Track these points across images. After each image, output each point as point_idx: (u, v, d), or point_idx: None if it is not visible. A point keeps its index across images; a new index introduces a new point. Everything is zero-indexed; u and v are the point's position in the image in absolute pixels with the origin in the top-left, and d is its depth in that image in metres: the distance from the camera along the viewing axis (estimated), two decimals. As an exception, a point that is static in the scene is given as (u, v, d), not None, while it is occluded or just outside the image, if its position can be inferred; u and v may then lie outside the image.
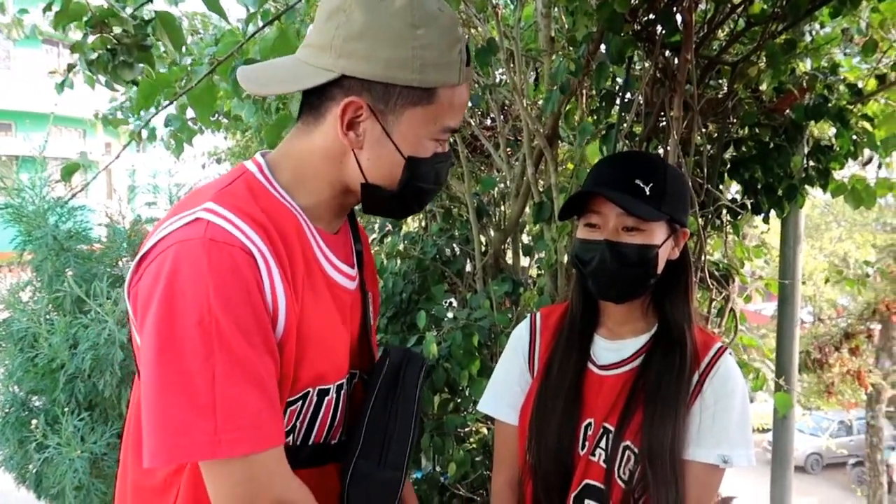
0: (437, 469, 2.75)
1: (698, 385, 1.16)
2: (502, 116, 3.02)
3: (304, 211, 0.93)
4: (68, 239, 2.32)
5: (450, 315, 2.74)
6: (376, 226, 3.46)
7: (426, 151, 0.92)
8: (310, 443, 0.96)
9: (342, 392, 0.99)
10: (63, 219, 2.38)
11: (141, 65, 1.58)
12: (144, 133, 2.82)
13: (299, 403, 0.92)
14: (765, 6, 2.32)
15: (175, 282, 0.79)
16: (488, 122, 3.34)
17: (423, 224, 3.64)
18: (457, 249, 3.14)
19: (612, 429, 1.18)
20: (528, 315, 1.38)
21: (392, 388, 1.01)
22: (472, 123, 3.04)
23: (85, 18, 1.50)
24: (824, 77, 2.35)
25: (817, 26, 2.57)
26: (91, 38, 1.54)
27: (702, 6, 2.42)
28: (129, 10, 1.60)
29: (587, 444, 1.20)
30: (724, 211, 2.58)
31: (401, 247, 3.05)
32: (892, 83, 2.34)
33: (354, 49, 0.86)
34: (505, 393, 1.32)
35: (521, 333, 1.35)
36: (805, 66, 2.46)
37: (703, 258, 2.38)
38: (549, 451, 1.21)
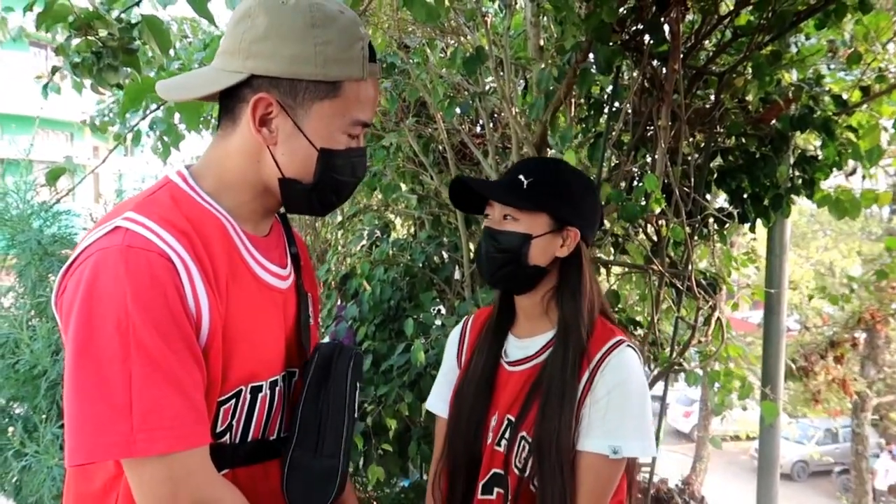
0: (424, 477, 2.73)
1: (590, 378, 1.20)
2: (492, 124, 3.02)
3: (230, 214, 0.96)
4: (52, 243, 2.30)
5: (438, 322, 2.73)
6: (365, 233, 3.46)
7: (339, 144, 0.96)
8: (248, 439, 0.98)
9: (277, 389, 1.01)
10: (48, 223, 2.35)
11: (126, 68, 1.56)
12: (130, 137, 2.80)
13: (233, 402, 0.94)
14: (751, 18, 2.34)
15: (94, 288, 0.81)
16: (478, 129, 3.34)
17: (412, 231, 3.63)
18: (445, 256, 3.13)
19: (513, 420, 1.25)
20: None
21: (323, 380, 1.05)
22: (462, 131, 3.04)
23: (69, 20, 1.48)
24: (809, 88, 2.38)
25: (803, 38, 2.59)
26: (76, 41, 1.52)
27: (689, 17, 2.44)
28: (115, 14, 1.58)
29: (492, 434, 1.27)
30: (711, 220, 2.60)
31: (389, 253, 3.04)
32: (876, 95, 2.36)
33: (260, 50, 0.91)
34: (441, 390, 1.41)
35: (454, 334, 1.44)
36: (791, 77, 2.48)
37: (689, 267, 2.39)
38: (460, 440, 1.30)
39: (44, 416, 2.02)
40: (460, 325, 1.45)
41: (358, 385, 1.09)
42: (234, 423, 0.95)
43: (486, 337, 1.34)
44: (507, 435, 1.25)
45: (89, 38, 1.50)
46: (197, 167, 0.98)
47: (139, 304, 0.80)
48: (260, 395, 0.98)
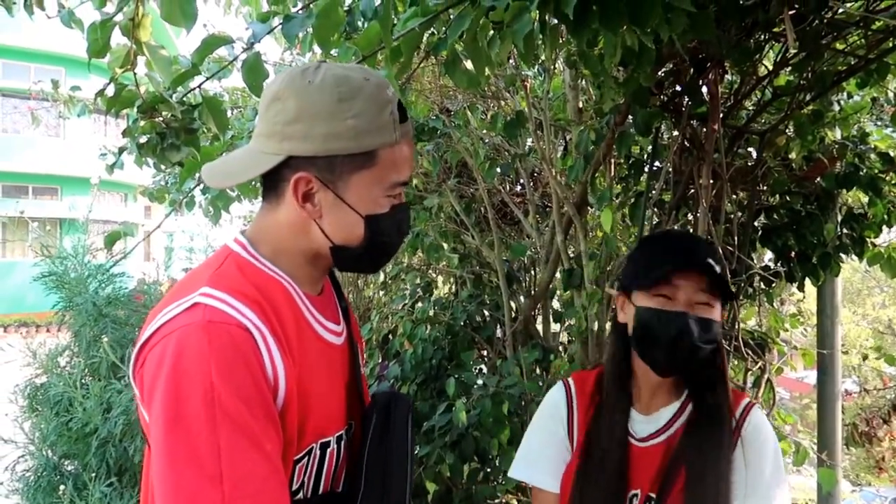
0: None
1: (735, 438, 1.22)
2: (532, 184, 3.06)
3: (289, 277, 1.00)
4: (107, 304, 2.39)
5: (479, 382, 2.71)
6: (407, 293, 3.49)
7: (383, 207, 0.99)
8: (319, 493, 1.01)
9: (342, 442, 1.05)
10: (103, 285, 2.45)
11: (187, 148, 1.66)
12: (184, 201, 2.92)
13: (305, 459, 0.97)
14: (791, 78, 2.35)
15: (179, 363, 0.84)
16: (518, 188, 3.38)
17: (454, 290, 3.65)
18: (487, 315, 3.13)
19: (655, 497, 1.23)
20: (560, 381, 1.39)
21: (384, 430, 1.07)
22: (502, 191, 3.08)
23: (136, 104, 1.59)
24: (854, 146, 2.35)
25: (845, 95, 2.58)
26: (141, 123, 1.63)
27: (728, 77, 2.46)
28: (177, 96, 1.69)
29: None
30: (758, 279, 2.55)
31: (431, 313, 3.06)
32: (923, 152, 2.32)
33: (294, 132, 0.94)
34: (543, 460, 1.33)
35: (556, 401, 1.37)
36: (834, 134, 2.46)
37: (736, 326, 2.34)
38: None
39: (93, 475, 2.06)
40: (560, 392, 1.38)
41: (412, 432, 1.11)
42: (305, 479, 0.98)
43: (609, 415, 1.29)
44: None
45: (153, 120, 1.61)
46: (252, 234, 1.02)
47: (223, 376, 0.83)
48: (328, 450, 1.01)
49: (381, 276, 4.03)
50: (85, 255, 2.47)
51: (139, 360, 0.91)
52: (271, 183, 0.99)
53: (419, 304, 3.23)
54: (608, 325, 1.35)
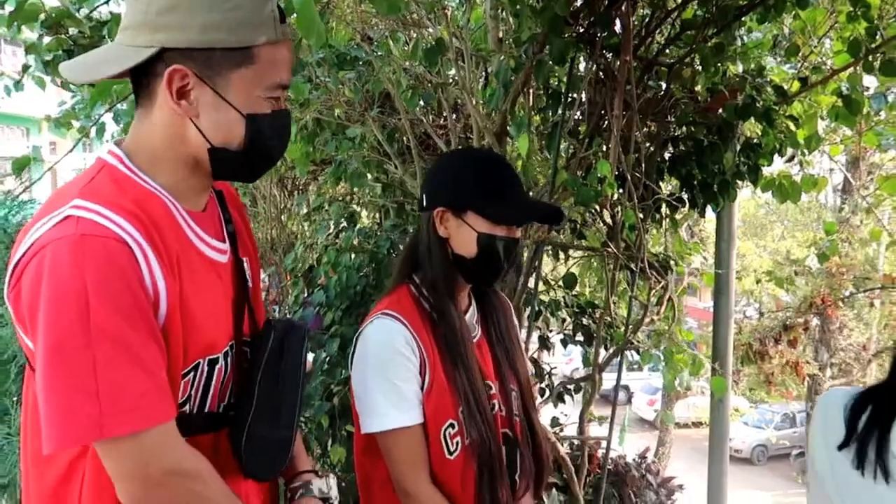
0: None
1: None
2: (454, 115, 3.10)
3: (168, 192, 0.96)
4: (18, 231, 2.32)
5: (402, 307, 2.80)
6: (331, 223, 3.51)
7: (264, 108, 0.95)
8: (206, 410, 1.01)
9: (229, 359, 1.04)
10: (13, 212, 2.37)
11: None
12: (93, 131, 2.81)
13: (192, 374, 0.97)
14: (698, 12, 2.46)
15: (54, 280, 0.82)
16: (441, 120, 3.42)
17: (378, 219, 3.70)
18: (410, 244, 3.20)
19: (494, 383, 1.36)
20: (380, 316, 1.30)
21: (278, 356, 1.07)
22: (425, 121, 3.11)
23: (41, 19, 1.52)
24: (752, 79, 2.51)
25: (750, 32, 2.72)
26: (46, 40, 1.56)
27: (640, 11, 2.55)
28: (84, 12, 1.62)
29: (495, 403, 1.35)
30: (664, 205, 2.72)
31: (355, 241, 3.10)
32: (812, 85, 2.50)
33: (169, 21, 0.88)
34: (412, 396, 1.26)
35: (400, 331, 1.28)
36: (736, 68, 2.61)
37: (642, 249, 2.51)
38: (485, 427, 1.28)
39: (14, 399, 2.05)
40: (400, 326, 1.28)
41: (305, 359, 1.12)
42: (192, 393, 0.98)
43: (454, 319, 1.31)
44: (499, 397, 1.36)
45: (60, 36, 1.54)
46: (129, 145, 0.97)
47: (99, 291, 0.81)
48: (216, 367, 1.00)
49: (305, 209, 4.03)
50: (-9, 183, 2.38)
51: (13, 279, 0.87)
52: (143, 81, 0.93)
53: (343, 234, 3.26)
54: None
